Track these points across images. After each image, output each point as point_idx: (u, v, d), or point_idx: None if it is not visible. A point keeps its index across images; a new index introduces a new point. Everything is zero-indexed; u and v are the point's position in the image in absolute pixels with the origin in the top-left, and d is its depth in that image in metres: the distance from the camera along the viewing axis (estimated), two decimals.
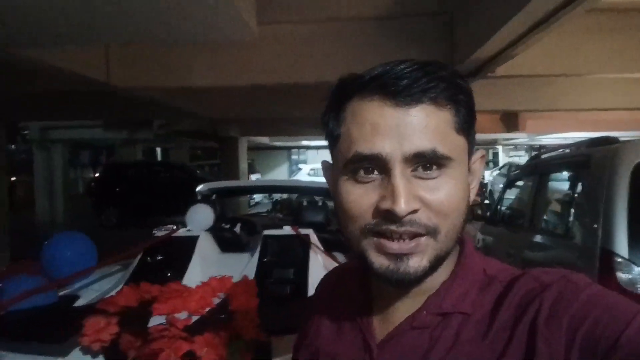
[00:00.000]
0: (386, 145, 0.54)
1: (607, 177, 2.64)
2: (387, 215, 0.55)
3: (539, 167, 3.90)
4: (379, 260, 0.57)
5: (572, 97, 6.41)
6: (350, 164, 0.57)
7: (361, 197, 0.57)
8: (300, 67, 3.59)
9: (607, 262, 2.52)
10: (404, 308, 0.63)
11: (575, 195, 3.16)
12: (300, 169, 17.34)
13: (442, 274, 0.62)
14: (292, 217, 5.13)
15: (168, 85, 3.83)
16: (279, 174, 21.96)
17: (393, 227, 0.55)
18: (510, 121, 10.57)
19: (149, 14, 2.30)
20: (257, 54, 3.45)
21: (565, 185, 3.73)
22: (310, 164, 17.82)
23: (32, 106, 7.20)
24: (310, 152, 21.40)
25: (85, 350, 1.84)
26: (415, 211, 0.54)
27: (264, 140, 15.64)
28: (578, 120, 9.94)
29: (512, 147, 23.67)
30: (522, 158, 21.85)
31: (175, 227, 3.86)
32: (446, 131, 0.56)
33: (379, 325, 0.65)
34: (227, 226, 4.03)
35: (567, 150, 3.65)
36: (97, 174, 19.25)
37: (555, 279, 0.55)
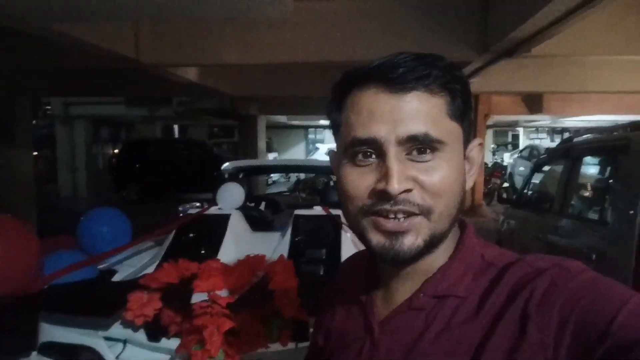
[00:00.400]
0: (381, 129, 0.58)
1: None
2: (382, 196, 0.58)
3: (572, 150, 3.82)
4: (376, 238, 0.60)
5: (600, 79, 6.23)
6: (350, 149, 0.61)
7: (358, 179, 0.61)
8: (332, 46, 3.53)
9: None
10: (404, 290, 0.66)
11: (612, 180, 3.09)
12: (317, 149, 17.30)
13: (440, 257, 0.64)
14: (315, 196, 5.14)
15: (198, 62, 3.81)
16: (295, 153, 21.96)
17: (387, 206, 0.58)
18: (534, 103, 10.34)
19: None
20: (290, 32, 3.40)
21: (600, 170, 3.66)
22: (327, 144, 17.76)
23: (56, 82, 7.26)
24: (327, 132, 21.31)
25: (127, 324, 1.88)
26: (408, 191, 0.58)
27: (282, 119, 15.61)
28: (602, 102, 9.68)
29: (533, 129, 23.25)
30: (543, 141, 21.46)
31: (205, 205, 3.90)
32: (439, 116, 0.59)
33: (381, 306, 0.68)
34: (252, 205, 4.06)
35: (602, 134, 3.56)
36: (116, 151, 19.54)
37: (549, 265, 0.57)
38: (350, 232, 2.65)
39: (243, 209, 3.13)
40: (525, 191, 4.73)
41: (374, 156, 0.60)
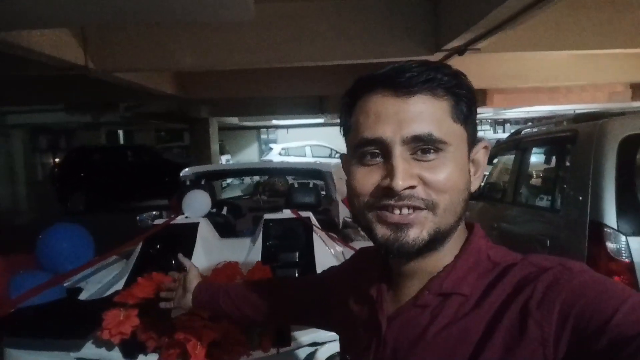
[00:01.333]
0: (387, 130, 0.62)
1: (594, 151, 2.76)
2: (386, 192, 0.61)
3: (522, 142, 4.02)
4: (381, 231, 0.63)
5: (541, 72, 6.59)
6: (358, 149, 0.65)
7: (365, 177, 0.64)
8: (291, 48, 3.53)
9: (596, 234, 2.65)
10: (411, 287, 0.69)
11: (561, 169, 3.28)
12: (271, 149, 17.18)
13: (446, 256, 0.67)
14: (278, 198, 5.12)
15: (152, 68, 3.69)
16: (249, 154, 21.73)
17: (392, 202, 0.61)
18: (479, 96, 10.77)
19: None
20: (248, 35, 3.37)
21: (550, 160, 3.87)
22: (280, 144, 17.68)
23: None
24: (280, 132, 21.23)
25: (101, 344, 1.81)
26: (412, 187, 0.61)
27: (234, 120, 15.40)
28: (540, 94, 10.22)
29: (477, 121, 24.13)
30: (487, 132, 22.36)
31: (162, 214, 3.79)
32: (443, 118, 0.62)
33: (390, 302, 0.72)
34: (214, 210, 3.99)
35: (548, 126, 3.77)
36: (57, 159, 18.58)
37: (552, 264, 0.59)
38: (321, 234, 2.67)
39: (207, 215, 3.07)
40: None
41: (380, 156, 0.63)
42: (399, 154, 0.61)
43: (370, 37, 3.60)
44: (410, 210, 0.61)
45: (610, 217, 2.60)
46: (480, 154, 0.70)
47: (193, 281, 1.27)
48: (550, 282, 0.56)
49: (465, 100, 0.64)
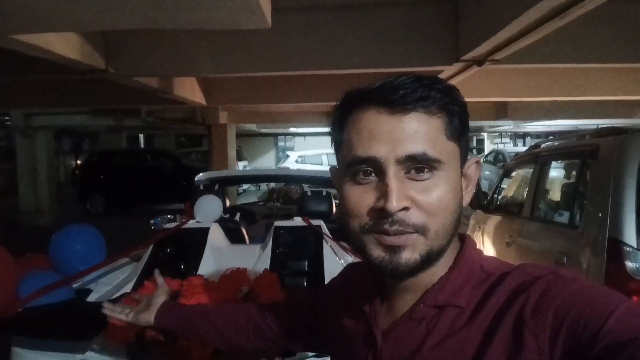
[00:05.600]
0: (381, 149, 0.61)
1: (615, 167, 2.68)
2: (380, 214, 0.61)
3: (541, 155, 3.94)
4: (376, 252, 0.63)
5: (563, 85, 6.48)
6: (351, 167, 0.64)
7: (360, 197, 0.64)
8: (310, 57, 3.55)
9: (615, 251, 2.57)
10: (406, 301, 0.69)
11: (580, 184, 3.20)
12: (288, 156, 17.24)
13: (440, 269, 0.67)
14: (291, 205, 5.11)
15: (170, 73, 3.74)
16: (266, 161, 21.85)
17: (386, 226, 0.61)
18: (500, 108, 10.64)
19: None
20: (268, 43, 3.39)
21: (569, 175, 3.79)
22: (297, 151, 17.73)
23: (17, 93, 6.99)
24: (298, 139, 21.31)
25: (106, 346, 1.81)
26: (406, 209, 0.60)
27: (252, 127, 15.52)
28: (562, 107, 10.05)
29: (496, 134, 23.89)
30: (507, 145, 22.08)
31: (177, 217, 3.81)
32: (437, 136, 0.62)
33: (384, 316, 0.71)
34: (227, 216, 4.00)
35: (569, 140, 3.69)
36: (79, 162, 18.97)
37: (545, 273, 0.59)
38: (332, 243, 2.64)
39: (220, 220, 3.08)
40: (495, 195, 4.84)
41: (373, 174, 0.62)
42: (393, 174, 0.60)
43: (390, 46, 3.60)
44: (402, 234, 0.61)
45: (630, 235, 2.52)
46: (472, 169, 0.70)
47: (160, 297, 1.19)
48: (543, 291, 0.56)
49: (459, 116, 0.64)
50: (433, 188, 0.61)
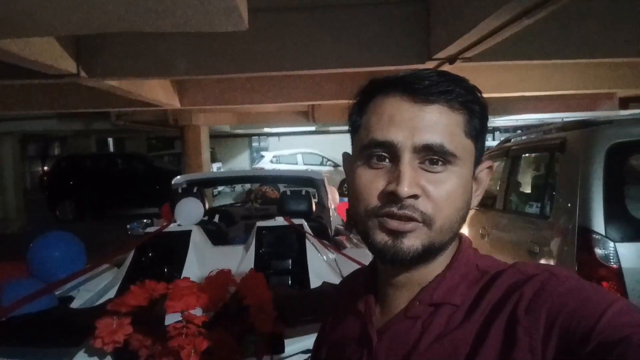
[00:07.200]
0: (399, 135, 0.61)
1: (583, 159, 2.80)
2: (390, 197, 0.61)
3: (511, 150, 4.07)
4: (379, 237, 0.63)
5: (529, 81, 6.68)
6: (366, 150, 0.64)
7: (371, 181, 0.63)
8: (286, 57, 3.56)
9: (585, 240, 2.69)
10: (401, 299, 0.68)
11: (550, 176, 3.33)
12: (263, 157, 17.18)
13: (437, 268, 0.67)
14: (270, 206, 5.12)
15: (144, 75, 3.69)
16: (240, 162, 21.69)
17: (394, 209, 0.61)
18: None
19: (127, 3, 2.21)
20: (244, 44, 3.38)
21: (539, 168, 3.93)
22: (272, 152, 17.68)
23: None
24: (272, 140, 21.23)
25: (92, 353, 1.80)
26: (415, 197, 0.60)
27: (225, 128, 15.39)
28: (529, 102, 10.34)
29: None
30: None
31: (153, 222, 3.77)
32: (456, 131, 0.62)
33: (379, 315, 0.71)
34: (206, 218, 3.99)
35: (537, 134, 3.82)
36: (47, 167, 18.45)
37: (539, 271, 0.59)
38: (314, 241, 2.68)
39: (199, 223, 3.07)
40: None
41: (387, 160, 0.63)
42: (408, 161, 0.61)
43: (363, 46, 3.65)
44: (407, 221, 0.61)
45: (599, 223, 2.64)
46: (484, 173, 0.70)
47: None
48: (537, 289, 0.57)
49: (479, 116, 0.65)
50: (444, 181, 0.62)
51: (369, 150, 0.64)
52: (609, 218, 2.63)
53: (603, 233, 2.63)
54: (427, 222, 0.61)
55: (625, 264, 2.57)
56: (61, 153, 19.19)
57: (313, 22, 3.63)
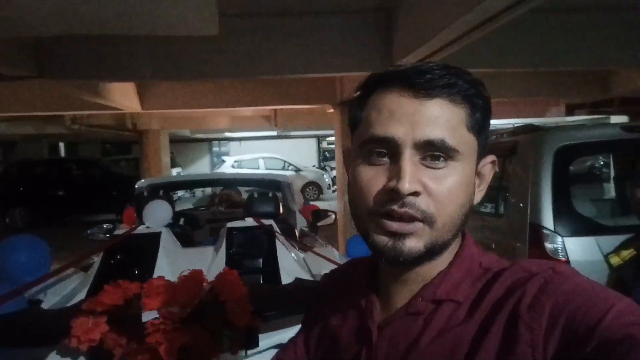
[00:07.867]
0: (400, 130, 0.59)
1: (533, 160, 3.02)
2: (391, 195, 0.59)
3: None
4: (380, 238, 0.61)
5: (488, 88, 6.99)
6: (365, 146, 0.62)
7: (371, 179, 0.61)
8: (252, 62, 3.62)
9: (536, 235, 2.90)
10: (403, 295, 0.67)
11: (504, 178, 3.54)
12: (224, 161, 17.04)
13: (440, 264, 0.65)
14: (235, 209, 5.14)
15: (107, 78, 3.64)
16: (200, 167, 21.38)
17: (395, 207, 0.59)
18: None
19: (92, 5, 2.23)
20: (209, 47, 3.41)
21: None
22: (233, 156, 17.57)
23: None
24: (233, 144, 21.07)
25: (65, 352, 1.80)
26: (417, 194, 0.59)
27: (185, 132, 15.19)
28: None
29: None
30: None
31: (115, 226, 3.73)
32: (458, 126, 0.60)
33: (381, 310, 0.69)
34: (171, 222, 3.97)
35: (490, 138, 4.04)
36: None
37: (542, 269, 0.58)
38: (284, 240, 2.75)
39: (168, 225, 3.08)
40: None
41: (387, 157, 0.61)
42: (409, 157, 0.59)
43: (328, 52, 3.76)
44: (408, 220, 0.60)
45: (548, 220, 2.85)
46: (487, 168, 0.68)
47: None
48: (540, 286, 0.56)
49: (481, 110, 0.63)
50: (446, 177, 0.60)
51: (369, 146, 0.62)
52: (557, 215, 2.85)
53: (552, 229, 2.84)
54: (428, 220, 0.59)
55: (573, 256, 2.79)
56: (10, 159, 18.30)
57: (279, 29, 3.71)
